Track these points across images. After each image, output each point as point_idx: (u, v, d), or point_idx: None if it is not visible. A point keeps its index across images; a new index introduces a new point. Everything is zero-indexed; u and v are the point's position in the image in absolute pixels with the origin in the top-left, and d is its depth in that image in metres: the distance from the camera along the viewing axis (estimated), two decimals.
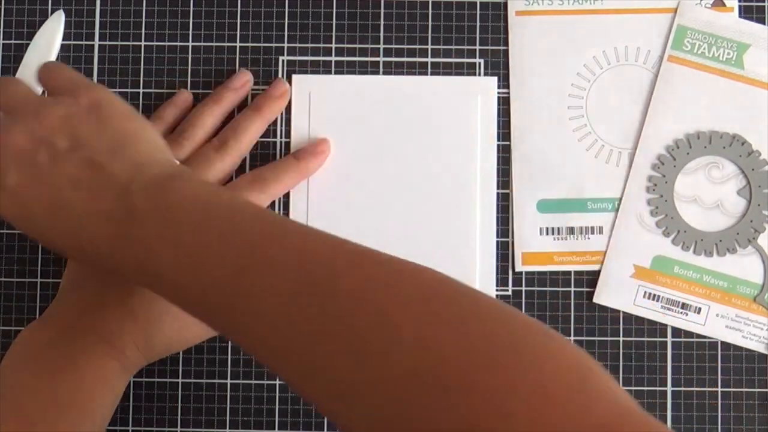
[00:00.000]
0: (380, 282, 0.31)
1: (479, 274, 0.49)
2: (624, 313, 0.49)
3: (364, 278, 0.31)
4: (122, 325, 0.42)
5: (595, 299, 0.49)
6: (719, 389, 0.49)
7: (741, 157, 0.49)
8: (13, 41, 0.51)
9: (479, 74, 0.51)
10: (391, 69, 0.51)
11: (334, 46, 0.51)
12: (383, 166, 0.50)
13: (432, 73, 0.51)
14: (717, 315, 0.49)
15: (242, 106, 0.50)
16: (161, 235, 0.35)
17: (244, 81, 0.49)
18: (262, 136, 0.50)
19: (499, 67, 0.51)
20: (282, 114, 0.50)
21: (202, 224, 0.34)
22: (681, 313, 0.49)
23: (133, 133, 0.39)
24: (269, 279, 0.32)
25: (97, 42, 0.51)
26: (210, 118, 0.48)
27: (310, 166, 0.48)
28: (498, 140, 0.50)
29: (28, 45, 0.51)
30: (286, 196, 0.50)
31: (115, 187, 0.37)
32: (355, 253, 0.33)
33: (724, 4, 0.50)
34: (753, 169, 0.49)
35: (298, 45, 0.51)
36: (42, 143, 0.38)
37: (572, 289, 0.49)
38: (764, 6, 0.50)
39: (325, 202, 0.50)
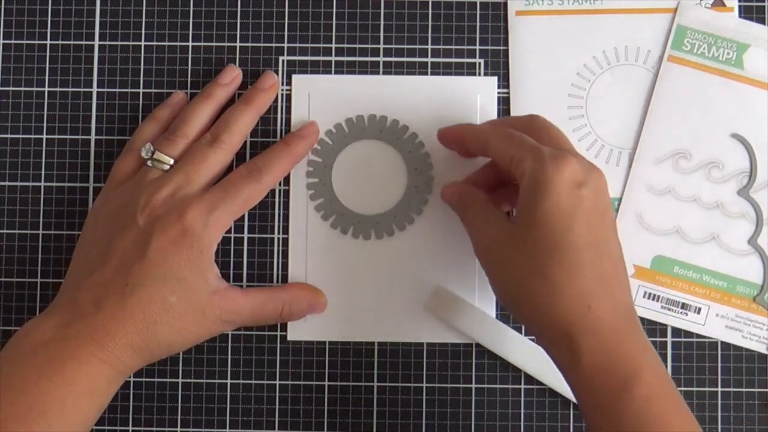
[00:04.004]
0: None
1: (479, 275, 0.49)
2: None
3: None
4: (119, 328, 0.42)
5: None
6: (719, 389, 0.49)
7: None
8: (13, 41, 0.51)
9: (479, 74, 0.51)
10: (391, 69, 0.51)
11: (334, 46, 0.51)
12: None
13: (432, 73, 0.51)
14: (717, 315, 0.49)
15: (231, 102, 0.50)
16: None
17: (233, 76, 0.50)
18: (261, 136, 0.50)
19: (499, 67, 0.51)
20: (282, 114, 0.50)
21: None
22: (681, 313, 0.49)
23: None
24: None
25: (97, 42, 0.51)
26: (201, 115, 0.48)
27: (300, 149, 0.48)
28: None
29: (26, 46, 0.51)
30: (286, 196, 0.50)
31: None
32: None
33: (724, 4, 0.50)
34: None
35: (298, 45, 0.51)
36: None
37: None
38: (764, 6, 0.50)
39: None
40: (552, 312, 0.40)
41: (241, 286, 0.49)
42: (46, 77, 0.51)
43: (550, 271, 0.39)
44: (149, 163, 0.46)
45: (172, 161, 0.46)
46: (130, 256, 0.43)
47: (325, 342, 0.49)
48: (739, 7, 0.50)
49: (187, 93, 0.50)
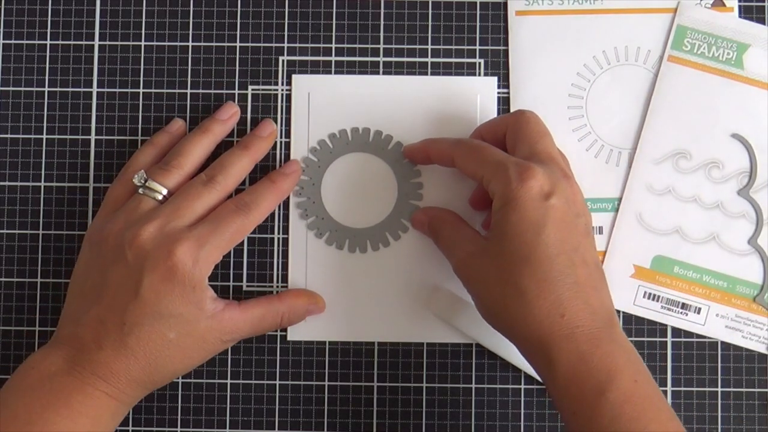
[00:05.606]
0: None
1: None
2: (624, 313, 0.49)
3: None
4: (122, 365, 0.42)
5: None
6: (719, 389, 0.49)
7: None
8: (12, 41, 0.51)
9: (479, 74, 0.51)
10: (391, 69, 0.51)
11: (334, 46, 0.51)
12: (382, 167, 0.50)
13: (432, 73, 0.51)
14: (717, 315, 0.49)
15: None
16: None
17: (231, 113, 0.50)
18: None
19: (499, 67, 0.51)
20: (282, 114, 0.50)
21: None
22: (681, 313, 0.49)
23: None
24: None
25: (97, 42, 0.51)
26: (198, 148, 0.48)
27: (284, 186, 0.48)
28: None
29: (26, 46, 0.51)
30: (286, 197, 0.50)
31: None
32: None
33: (724, 4, 0.50)
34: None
35: (298, 45, 0.51)
36: None
37: None
38: (764, 6, 0.50)
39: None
40: (527, 323, 0.40)
41: (241, 287, 0.50)
42: (46, 77, 0.51)
43: (522, 283, 0.40)
44: (140, 191, 0.46)
45: (165, 191, 0.46)
46: (124, 294, 0.43)
47: (325, 342, 0.49)
48: (739, 7, 0.50)
49: (186, 120, 0.50)
